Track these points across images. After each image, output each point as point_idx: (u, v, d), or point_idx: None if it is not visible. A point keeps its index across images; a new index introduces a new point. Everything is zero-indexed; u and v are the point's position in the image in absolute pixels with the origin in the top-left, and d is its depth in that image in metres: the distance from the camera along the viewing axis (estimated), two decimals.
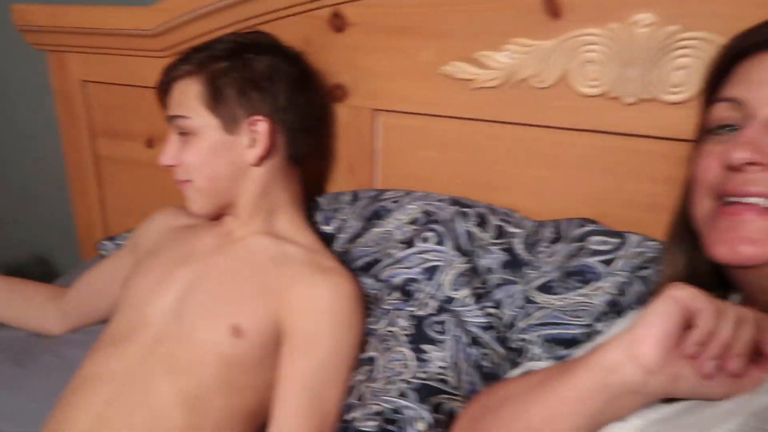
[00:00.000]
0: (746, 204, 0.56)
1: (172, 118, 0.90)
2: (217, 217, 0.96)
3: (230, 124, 0.88)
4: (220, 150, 0.88)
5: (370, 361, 0.85)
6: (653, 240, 0.84)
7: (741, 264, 0.57)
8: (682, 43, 0.77)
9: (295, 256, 0.89)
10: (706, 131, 0.64)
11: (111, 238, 1.24)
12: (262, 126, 0.88)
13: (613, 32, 0.80)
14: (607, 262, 0.84)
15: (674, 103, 0.80)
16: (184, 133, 0.89)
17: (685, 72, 0.78)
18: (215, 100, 0.87)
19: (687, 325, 0.49)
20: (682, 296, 0.49)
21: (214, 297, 0.86)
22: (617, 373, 0.50)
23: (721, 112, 0.61)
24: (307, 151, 0.97)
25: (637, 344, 0.49)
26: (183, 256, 0.92)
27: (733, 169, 0.57)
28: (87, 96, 1.33)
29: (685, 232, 0.68)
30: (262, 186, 0.91)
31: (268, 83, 0.90)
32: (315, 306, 0.84)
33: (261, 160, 0.90)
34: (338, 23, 0.99)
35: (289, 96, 0.91)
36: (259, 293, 0.86)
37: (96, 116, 1.35)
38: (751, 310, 0.49)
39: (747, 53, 0.61)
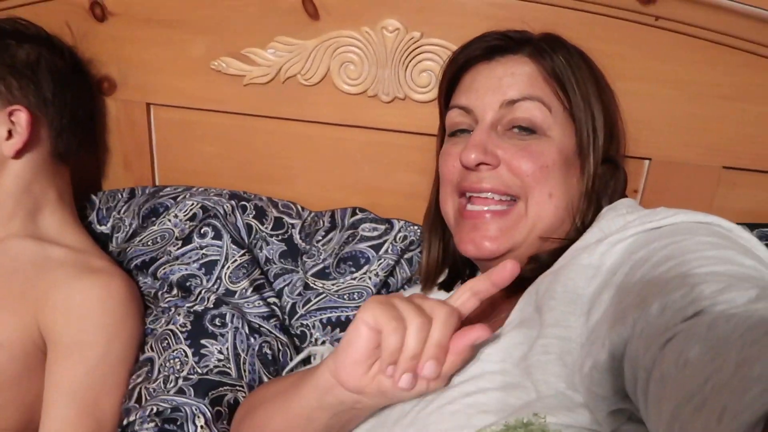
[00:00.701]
0: (484, 210, 0.65)
1: None
2: None
3: None
4: None
5: (149, 361, 0.84)
6: (416, 225, 0.93)
7: (484, 258, 0.66)
8: (425, 48, 0.85)
9: (60, 258, 0.85)
10: (447, 134, 0.72)
11: None
12: (21, 116, 0.83)
13: (367, 35, 0.86)
14: (377, 247, 0.91)
15: (423, 102, 0.88)
16: None
17: (428, 74, 0.86)
18: None
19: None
20: (367, 320, 0.50)
21: None
22: (331, 394, 0.54)
23: (455, 117, 0.70)
24: (76, 149, 0.92)
25: (339, 371, 0.52)
26: None
27: (469, 168, 0.65)
28: None
29: (439, 220, 0.77)
30: (23, 182, 0.85)
31: (31, 73, 0.85)
32: (81, 309, 0.80)
33: (20, 154, 0.84)
34: (99, 12, 0.94)
35: (55, 89, 0.87)
36: (16, 301, 0.80)
37: None
38: (445, 302, 0.53)
39: (469, 64, 0.70)
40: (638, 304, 0.44)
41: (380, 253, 0.90)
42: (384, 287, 0.90)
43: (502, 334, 0.58)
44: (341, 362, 0.52)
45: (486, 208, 0.66)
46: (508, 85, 0.66)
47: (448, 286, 0.78)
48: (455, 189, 0.69)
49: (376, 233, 0.92)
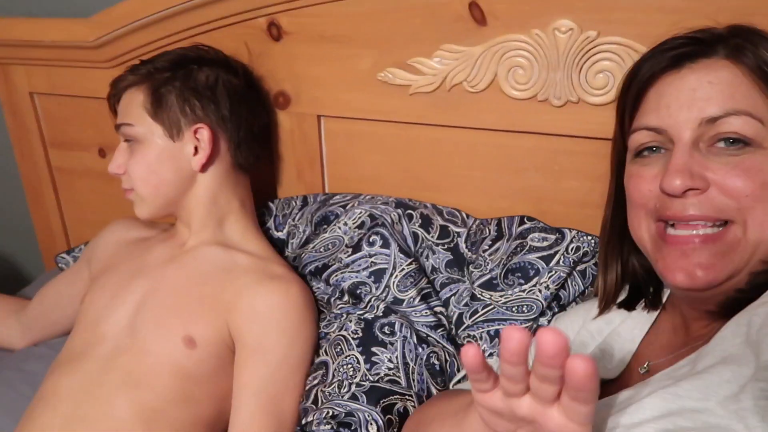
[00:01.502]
0: (692, 235, 0.58)
1: (119, 127, 0.93)
2: (167, 227, 0.98)
3: (173, 131, 0.91)
4: (164, 157, 0.91)
5: (323, 365, 0.88)
6: (589, 234, 0.87)
7: (697, 288, 0.58)
8: (601, 47, 0.79)
9: (245, 264, 0.91)
10: (632, 154, 0.65)
11: (69, 251, 1.24)
12: (204, 133, 0.91)
13: (537, 38, 0.82)
14: (547, 258, 0.87)
15: (599, 105, 0.82)
16: (131, 142, 0.92)
17: (605, 75, 0.80)
18: (157, 107, 0.90)
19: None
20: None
21: (167, 309, 0.88)
22: None
23: (643, 138, 0.62)
24: (254, 160, 0.99)
25: None
26: (136, 269, 0.94)
27: (672, 195, 0.58)
28: (36, 108, 1.32)
29: (617, 237, 0.71)
30: (210, 193, 0.94)
31: (210, 93, 0.93)
32: (263, 314, 0.86)
33: (205, 167, 0.92)
34: (275, 32, 1.00)
35: (231, 106, 0.94)
36: (210, 303, 0.88)
37: (47, 127, 1.34)
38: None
39: (654, 77, 0.62)
40: None
41: (551, 264, 0.86)
42: (555, 300, 0.86)
43: (703, 369, 0.52)
44: None
45: (694, 232, 0.58)
46: (705, 98, 0.58)
47: (629, 306, 0.72)
48: (651, 214, 0.62)
49: (546, 243, 0.88)
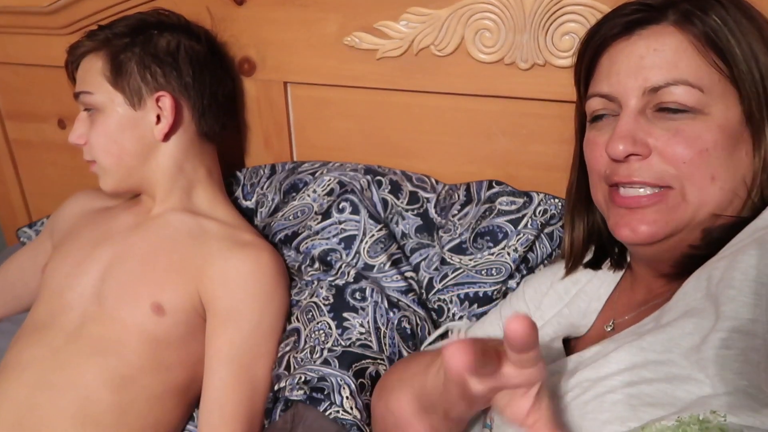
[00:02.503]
0: (639, 195, 0.61)
1: (77, 95, 0.90)
2: (133, 195, 0.96)
3: (135, 99, 0.88)
4: (126, 126, 0.88)
5: (295, 332, 0.88)
6: (556, 197, 0.88)
7: (641, 242, 0.61)
8: (566, 9, 0.79)
9: (214, 232, 0.90)
10: (588, 119, 0.67)
11: (31, 225, 1.21)
12: (166, 101, 0.89)
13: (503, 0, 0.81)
14: (515, 221, 0.88)
15: (565, 67, 0.82)
16: (91, 110, 0.89)
17: (571, 37, 0.80)
18: (117, 75, 0.87)
19: None
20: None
21: (135, 276, 0.86)
22: None
23: (595, 105, 0.65)
24: (219, 128, 0.97)
25: None
26: (101, 237, 0.92)
27: (617, 160, 0.61)
28: None
29: (582, 199, 0.72)
30: (175, 162, 0.92)
31: (172, 59, 0.90)
32: (235, 281, 0.85)
33: (168, 136, 0.90)
34: None
35: (194, 73, 0.92)
36: (178, 270, 0.86)
37: (2, 98, 1.29)
38: None
39: (607, 43, 0.64)
40: None
41: (519, 227, 0.87)
42: (523, 263, 0.88)
43: (666, 323, 0.54)
44: None
45: (641, 191, 0.61)
46: (650, 65, 0.59)
47: (595, 265, 0.74)
48: (604, 179, 0.64)
49: (514, 207, 0.89)
